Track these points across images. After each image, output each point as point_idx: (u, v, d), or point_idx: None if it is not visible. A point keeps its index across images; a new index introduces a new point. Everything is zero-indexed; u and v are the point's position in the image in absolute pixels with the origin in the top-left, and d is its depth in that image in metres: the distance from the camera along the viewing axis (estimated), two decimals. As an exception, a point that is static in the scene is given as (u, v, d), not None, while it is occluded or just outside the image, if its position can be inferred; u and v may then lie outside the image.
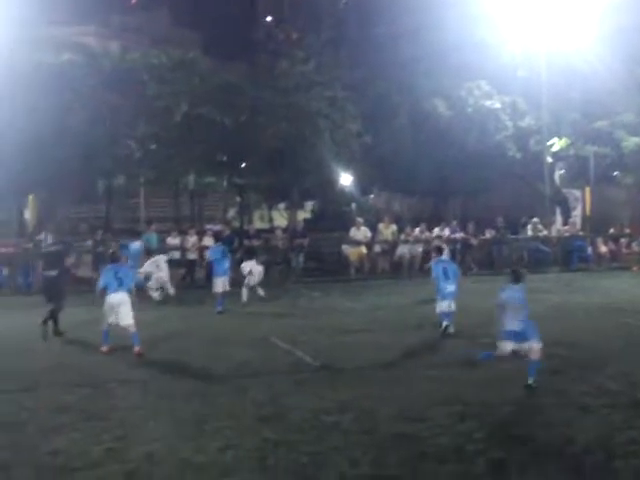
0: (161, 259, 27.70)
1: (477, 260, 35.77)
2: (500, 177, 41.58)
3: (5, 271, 32.26)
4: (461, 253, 35.69)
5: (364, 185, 43.43)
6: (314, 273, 33.78)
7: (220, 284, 24.24)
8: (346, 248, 34.78)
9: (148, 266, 27.14)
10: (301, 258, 34.20)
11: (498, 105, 39.76)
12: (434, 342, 17.96)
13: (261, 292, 25.65)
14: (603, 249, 37.73)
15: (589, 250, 37.50)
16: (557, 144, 41.33)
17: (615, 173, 46.03)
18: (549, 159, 40.40)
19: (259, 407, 12.32)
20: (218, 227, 37.97)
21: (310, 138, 36.06)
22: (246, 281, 25.24)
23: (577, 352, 16.14)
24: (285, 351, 17.07)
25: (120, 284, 17.28)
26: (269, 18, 44.51)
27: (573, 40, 37.02)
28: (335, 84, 37.56)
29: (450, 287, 19.25)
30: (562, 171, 45.13)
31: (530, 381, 13.18)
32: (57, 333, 19.63)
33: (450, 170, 39.24)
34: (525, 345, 13.40)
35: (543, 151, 39.30)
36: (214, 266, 25.37)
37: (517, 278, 14.27)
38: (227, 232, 33.32)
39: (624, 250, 38.72)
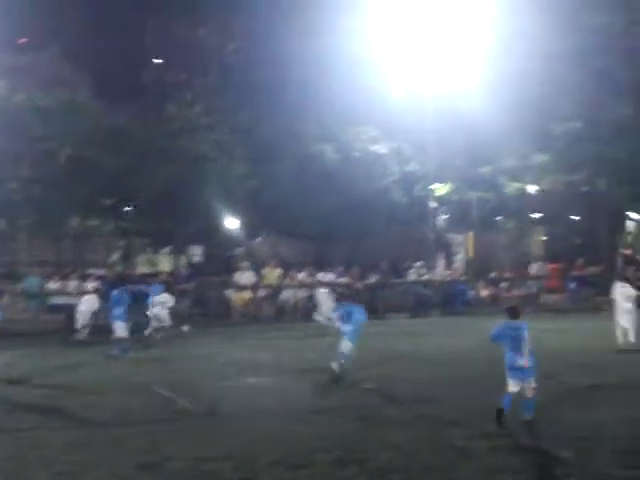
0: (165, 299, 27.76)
1: (361, 304, 35.99)
2: (385, 221, 42.08)
3: None
4: (346, 298, 35.86)
5: (250, 229, 43.41)
6: (199, 318, 33.57)
7: (120, 329, 24.15)
8: (230, 293, 34.69)
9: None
10: (186, 303, 33.99)
11: (384, 150, 40.28)
12: (316, 387, 17.97)
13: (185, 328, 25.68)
14: (484, 293, 38.41)
15: (471, 294, 38.11)
16: (441, 189, 42.05)
17: (497, 218, 47.02)
18: (433, 204, 41.03)
19: (138, 455, 12.10)
20: (101, 271, 37.51)
21: (196, 182, 35.94)
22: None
23: (455, 396, 16.32)
24: (166, 398, 16.86)
25: None
26: (158, 60, 44.33)
27: (458, 86, 37.76)
28: (222, 128, 37.58)
29: (346, 327, 19.23)
30: (445, 216, 45.88)
31: (528, 416, 13.47)
32: None
33: (336, 214, 39.52)
34: (527, 382, 13.66)
35: (427, 196, 39.90)
36: (114, 311, 24.89)
37: (515, 314, 14.39)
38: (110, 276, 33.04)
39: (505, 294, 39.46)
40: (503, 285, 40.30)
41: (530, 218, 48.37)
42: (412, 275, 38.32)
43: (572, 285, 40.35)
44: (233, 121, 38.31)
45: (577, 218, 55.07)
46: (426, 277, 38.33)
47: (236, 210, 39.87)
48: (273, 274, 36.17)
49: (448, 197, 43.52)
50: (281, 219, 40.56)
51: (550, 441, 12.38)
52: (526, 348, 13.83)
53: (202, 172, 36.35)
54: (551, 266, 43.22)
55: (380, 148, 40.28)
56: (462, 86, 37.64)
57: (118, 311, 24.56)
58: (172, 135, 36.70)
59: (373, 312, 32.72)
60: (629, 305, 23.62)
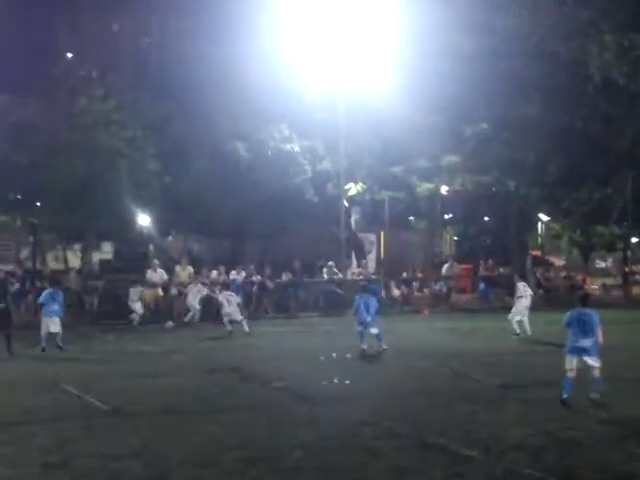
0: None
1: (273, 303, 36.07)
2: (298, 220, 42.12)
3: None
4: (257, 296, 35.93)
5: (162, 226, 43.08)
6: (108, 316, 33.23)
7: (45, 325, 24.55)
8: (142, 290, 34.37)
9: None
10: (96, 300, 33.63)
11: (297, 149, 40.29)
12: (228, 386, 17.97)
13: None
14: (396, 292, 38.72)
15: (382, 293, 38.33)
16: (353, 188, 42.28)
17: (409, 218, 47.46)
18: (345, 203, 41.20)
19: (46, 454, 11.93)
20: (10, 267, 36.93)
21: (107, 178, 35.53)
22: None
23: (366, 395, 16.43)
24: (75, 396, 16.66)
25: None
26: (69, 54, 43.71)
27: (372, 85, 37.96)
28: (134, 124, 37.19)
29: (367, 316, 23.13)
30: (358, 215, 46.15)
31: (595, 395, 15.04)
32: None
33: (249, 212, 39.48)
34: (589, 360, 14.99)
35: (340, 195, 40.02)
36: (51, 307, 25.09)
37: (586, 302, 15.72)
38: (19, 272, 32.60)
39: (416, 293, 39.86)
40: (414, 285, 40.66)
41: (442, 218, 48.96)
42: (325, 274, 38.45)
43: (482, 285, 40.93)
44: (146, 117, 37.92)
45: (487, 219, 55.98)
46: (338, 276, 38.47)
47: (148, 207, 39.50)
48: (185, 272, 35.98)
49: (360, 196, 43.79)
50: (194, 216, 40.34)
51: (457, 440, 12.50)
52: (592, 332, 15.04)
53: (114, 168, 35.90)
54: (461, 266, 43.82)
55: (293, 146, 40.27)
56: (375, 85, 37.89)
57: (53, 307, 24.84)
58: (83, 130, 36.19)
59: (285, 311, 32.83)
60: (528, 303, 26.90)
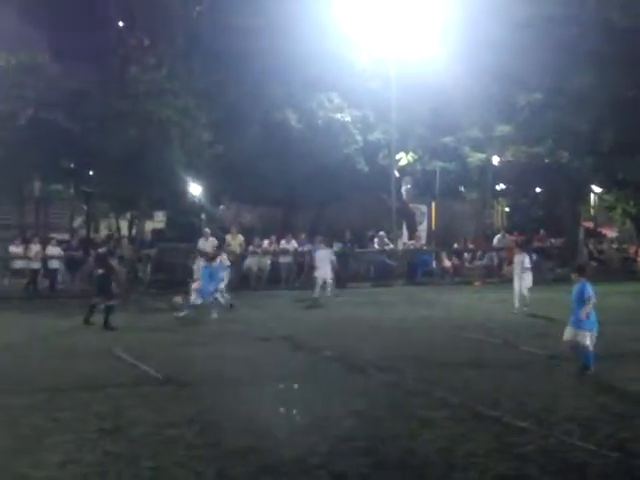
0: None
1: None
2: (349, 190, 42.08)
3: None
4: (309, 266, 35.99)
5: (214, 195, 43.26)
6: (161, 284, 33.47)
7: None
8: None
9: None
10: (148, 269, 33.86)
11: (348, 118, 40.17)
12: (280, 354, 18.06)
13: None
14: (447, 263, 38.58)
15: (433, 264, 38.26)
16: (404, 158, 42.10)
17: (460, 188, 47.17)
18: (396, 173, 41.05)
19: (101, 420, 12.09)
20: (64, 236, 37.34)
21: (160, 147, 35.69)
22: None
23: (418, 365, 16.42)
24: (129, 364, 16.85)
25: None
26: (121, 23, 43.80)
27: (423, 54, 37.65)
28: (187, 92, 37.27)
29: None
30: (409, 185, 45.96)
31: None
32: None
33: (300, 181, 39.49)
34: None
35: (391, 165, 39.88)
36: None
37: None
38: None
39: (467, 265, 39.72)
40: (465, 256, 40.51)
41: (493, 189, 48.64)
42: (375, 244, 38.40)
43: (533, 257, 40.63)
44: (198, 86, 37.98)
45: (540, 190, 55.52)
46: (389, 247, 38.42)
47: (200, 176, 39.67)
48: (236, 241, 36.11)
49: (412, 167, 43.60)
50: (245, 185, 40.45)
51: (509, 411, 12.48)
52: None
53: (166, 137, 36.05)
54: (513, 237, 43.54)
55: (344, 116, 40.15)
56: (427, 55, 37.56)
57: None
58: (135, 98, 36.33)
59: (336, 281, 32.82)
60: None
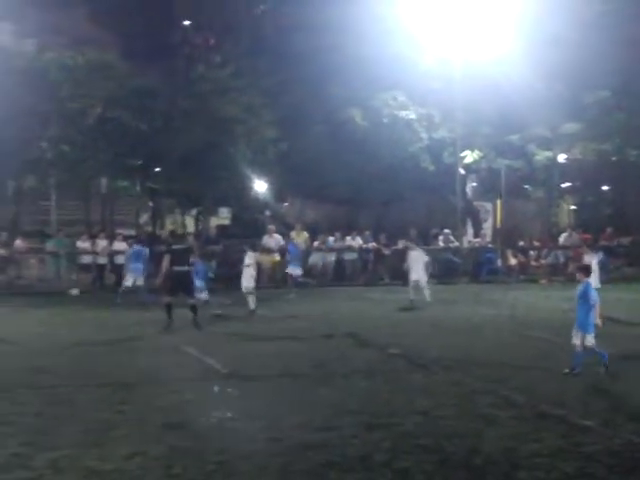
0: None
1: (389, 270, 36.04)
2: (413, 188, 41.97)
3: None
4: (373, 263, 36.02)
5: (278, 192, 43.43)
6: (226, 280, 33.59)
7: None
8: (258, 256, 34.69)
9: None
10: (213, 264, 34.01)
11: (413, 116, 40.04)
12: (344, 351, 18.05)
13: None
14: (512, 261, 38.25)
15: (499, 262, 37.98)
16: (469, 157, 41.83)
17: (526, 186, 46.76)
18: (461, 171, 40.83)
19: (166, 414, 12.18)
20: (131, 232, 37.69)
21: (225, 144, 35.92)
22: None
23: (483, 364, 16.30)
24: (195, 358, 16.97)
25: None
26: (186, 22, 44.15)
27: (489, 53, 37.40)
28: (252, 90, 37.46)
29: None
30: (474, 184, 45.71)
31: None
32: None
33: (364, 179, 39.48)
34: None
35: (456, 163, 39.67)
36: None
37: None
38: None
39: (533, 263, 39.34)
40: (531, 254, 40.14)
41: (559, 187, 48.14)
42: (440, 242, 38.21)
43: (600, 255, 40.13)
44: (263, 84, 38.18)
45: (607, 188, 54.83)
46: (454, 244, 38.23)
47: (264, 173, 39.87)
48: (300, 237, 36.19)
49: (477, 165, 43.31)
50: (309, 183, 40.58)
51: (575, 410, 12.36)
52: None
53: (231, 134, 36.31)
54: (580, 236, 42.98)
55: (409, 114, 40.03)
56: (493, 53, 37.31)
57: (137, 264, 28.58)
58: (201, 97, 36.62)
59: (400, 278, 32.74)
60: None
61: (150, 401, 13.09)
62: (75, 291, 29.70)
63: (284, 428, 11.45)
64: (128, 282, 28.91)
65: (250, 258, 25.43)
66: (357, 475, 9.54)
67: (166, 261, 22.09)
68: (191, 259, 22.86)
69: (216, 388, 14.15)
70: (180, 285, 21.95)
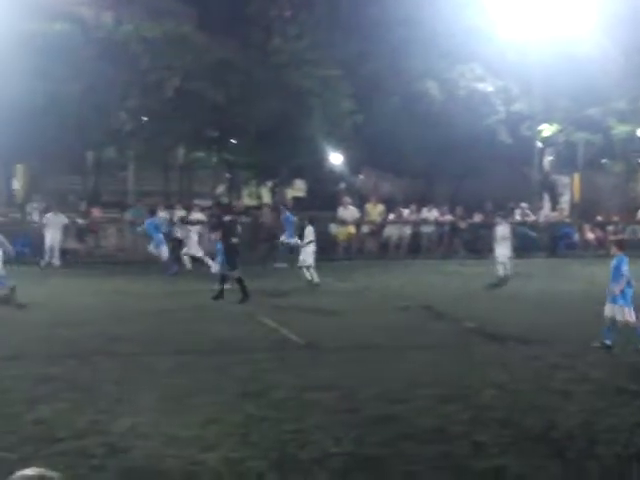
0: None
1: (465, 243, 35.88)
2: (490, 161, 41.55)
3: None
4: (449, 236, 35.87)
5: (354, 165, 43.38)
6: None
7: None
8: (334, 227, 34.82)
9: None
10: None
11: (490, 89, 39.65)
12: (420, 323, 18.05)
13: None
14: (590, 236, 37.83)
15: (576, 237, 37.57)
16: (547, 130, 41.33)
17: (604, 160, 46.09)
18: (539, 145, 40.40)
19: (243, 383, 12.32)
20: (207, 203, 37.94)
21: (301, 116, 35.95)
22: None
23: (560, 338, 16.17)
24: (271, 329, 17.12)
25: None
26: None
27: (567, 25, 36.88)
28: (328, 62, 37.39)
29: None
30: (551, 157, 45.19)
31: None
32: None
33: (440, 153, 39.20)
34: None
35: (533, 136, 39.25)
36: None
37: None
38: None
39: (611, 237, 38.79)
40: (609, 229, 39.60)
41: (638, 161, 47.36)
42: (517, 216, 37.87)
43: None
44: (339, 56, 38.06)
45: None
46: (531, 218, 37.89)
47: (340, 146, 39.84)
48: (376, 210, 36.18)
49: (554, 138, 42.77)
50: (385, 156, 40.42)
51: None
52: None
53: (307, 106, 36.32)
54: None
55: (486, 86, 39.63)
56: (571, 25, 36.76)
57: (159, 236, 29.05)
58: (277, 69, 36.67)
59: (476, 252, 32.62)
60: None
61: (227, 369, 13.23)
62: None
63: (360, 399, 11.51)
64: (198, 253, 29.47)
65: (311, 234, 24.99)
66: (433, 447, 9.56)
67: (222, 234, 22.20)
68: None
69: (293, 358, 14.27)
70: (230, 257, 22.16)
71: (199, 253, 29.56)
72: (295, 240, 30.09)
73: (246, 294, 21.36)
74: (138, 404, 11.20)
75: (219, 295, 21.53)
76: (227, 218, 25.08)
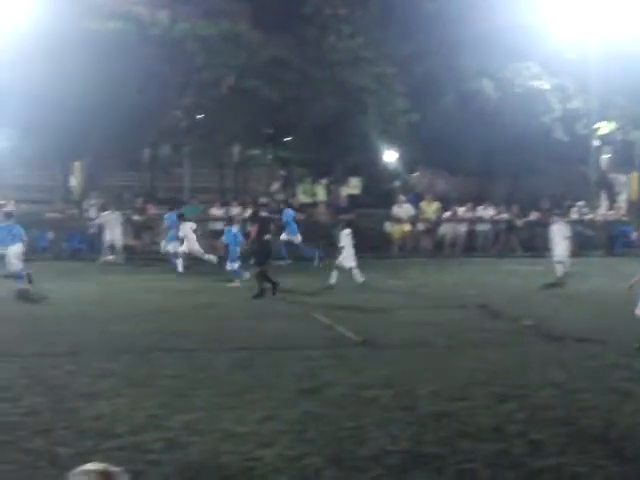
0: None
1: (521, 241, 35.66)
2: (546, 160, 41.25)
3: (50, 236, 32.72)
4: (505, 234, 35.67)
5: (408, 163, 43.28)
6: (357, 249, 33.65)
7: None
8: (389, 225, 34.79)
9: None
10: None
11: (547, 86, 39.36)
12: (476, 322, 17.97)
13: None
14: (648, 235, 37.41)
15: (634, 235, 37.16)
16: (604, 128, 40.94)
17: (662, 159, 45.56)
18: (596, 143, 40.03)
19: (299, 380, 12.36)
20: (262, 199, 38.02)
21: (356, 114, 35.96)
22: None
23: (618, 338, 15.99)
24: (326, 326, 17.15)
25: None
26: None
27: (625, 23, 36.52)
28: (382, 60, 37.36)
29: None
30: (608, 155, 44.73)
31: None
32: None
33: (496, 151, 39.03)
34: None
35: (590, 135, 38.92)
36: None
37: None
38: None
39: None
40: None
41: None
42: (574, 214, 37.55)
43: None
44: (393, 55, 38.01)
45: None
46: (588, 217, 37.56)
47: (395, 143, 39.78)
48: (431, 208, 36.09)
49: (611, 136, 42.36)
50: (439, 154, 40.27)
51: None
52: None
53: (361, 104, 36.32)
54: None
55: (542, 84, 39.33)
56: (628, 23, 36.39)
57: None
58: (332, 66, 36.70)
59: (533, 250, 32.40)
60: None
61: (284, 366, 13.28)
62: (213, 257, 29.75)
63: (416, 397, 11.50)
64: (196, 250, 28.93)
65: (344, 238, 24.51)
66: (490, 446, 9.51)
67: (257, 230, 22.24)
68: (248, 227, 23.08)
69: (349, 355, 14.28)
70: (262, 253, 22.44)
71: (196, 249, 28.81)
72: (298, 237, 30.20)
73: (263, 291, 21.67)
74: (196, 400, 11.27)
75: (275, 289, 21.93)
76: (263, 215, 25.10)
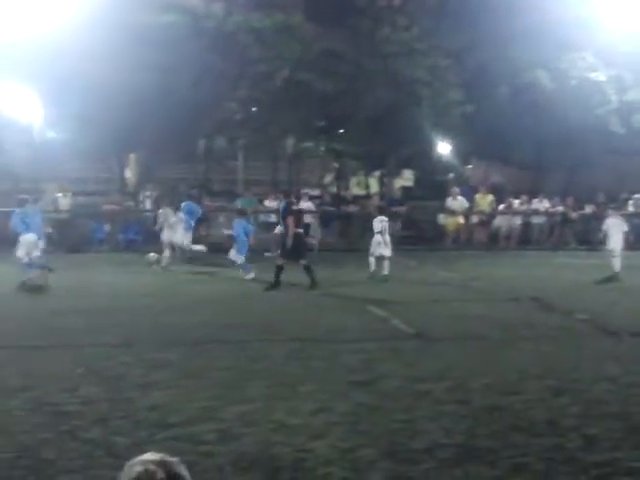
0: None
1: (576, 235, 35.38)
2: (602, 152, 40.83)
3: (107, 228, 33.08)
4: (560, 227, 35.43)
5: (462, 155, 43.10)
6: (410, 242, 33.70)
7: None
8: (443, 218, 34.70)
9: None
10: (398, 226, 34.16)
11: (603, 78, 38.93)
12: (529, 315, 17.88)
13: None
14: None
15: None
16: (662, 120, 40.43)
17: None
18: (654, 135, 39.54)
19: (353, 372, 12.39)
20: (315, 192, 38.15)
21: (409, 106, 35.87)
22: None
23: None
24: (380, 318, 17.16)
25: None
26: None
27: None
28: (435, 52, 37.21)
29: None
30: (666, 147, 44.16)
31: None
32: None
33: (550, 142, 38.70)
34: None
35: (647, 127, 38.46)
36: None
37: None
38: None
39: None
40: None
41: None
42: (630, 207, 37.14)
43: None
44: (448, 46, 37.82)
45: None
46: (645, 210, 37.15)
47: (448, 135, 39.63)
48: (485, 200, 35.93)
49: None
50: (494, 146, 40.01)
51: None
52: None
53: (415, 96, 36.21)
54: None
55: (598, 75, 38.89)
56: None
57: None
58: (385, 58, 36.62)
59: (588, 243, 32.11)
60: None
61: (337, 358, 13.33)
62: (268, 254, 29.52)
63: (470, 390, 11.49)
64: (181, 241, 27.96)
65: (378, 224, 24.27)
66: (544, 440, 9.48)
67: (292, 222, 22.10)
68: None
69: (403, 348, 14.28)
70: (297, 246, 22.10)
71: (183, 241, 27.91)
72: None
73: (315, 281, 21.79)
74: (249, 391, 11.34)
75: (313, 285, 21.83)
76: (297, 207, 24.96)
